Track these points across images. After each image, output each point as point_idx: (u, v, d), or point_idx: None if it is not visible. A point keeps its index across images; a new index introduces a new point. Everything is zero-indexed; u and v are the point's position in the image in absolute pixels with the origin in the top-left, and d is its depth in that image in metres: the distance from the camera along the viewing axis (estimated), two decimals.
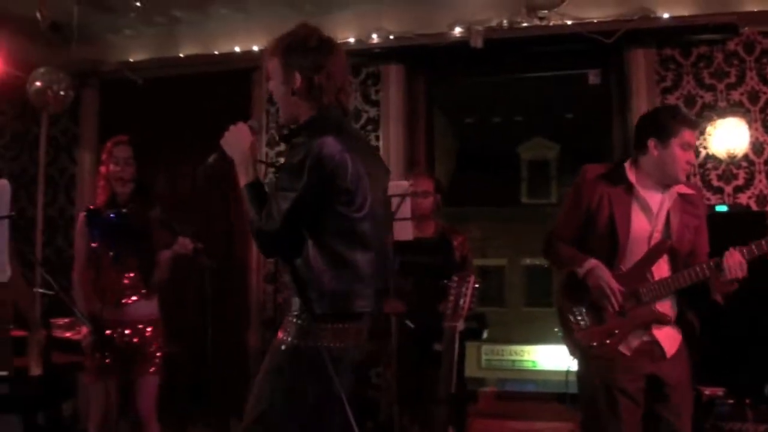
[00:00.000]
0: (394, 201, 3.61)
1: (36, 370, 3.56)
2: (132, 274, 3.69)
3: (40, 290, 3.28)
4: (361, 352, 2.36)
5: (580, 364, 2.99)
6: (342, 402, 2.16)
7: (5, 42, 5.50)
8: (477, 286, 3.14)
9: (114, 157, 3.72)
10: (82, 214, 3.82)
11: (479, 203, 17.84)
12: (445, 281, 3.09)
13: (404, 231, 3.65)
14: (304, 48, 2.31)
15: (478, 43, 4.84)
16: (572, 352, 2.99)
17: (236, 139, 2.36)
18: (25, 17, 5.07)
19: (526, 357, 19.18)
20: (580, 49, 4.95)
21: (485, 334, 4.33)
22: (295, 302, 2.25)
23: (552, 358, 17.85)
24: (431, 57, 5.16)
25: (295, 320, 2.24)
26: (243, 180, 2.31)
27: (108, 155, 3.75)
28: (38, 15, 4.86)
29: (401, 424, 3.87)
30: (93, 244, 3.71)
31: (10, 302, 3.39)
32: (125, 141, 3.78)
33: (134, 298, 3.68)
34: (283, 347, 2.24)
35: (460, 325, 3.05)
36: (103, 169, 3.78)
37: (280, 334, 2.28)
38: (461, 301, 3.12)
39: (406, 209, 3.63)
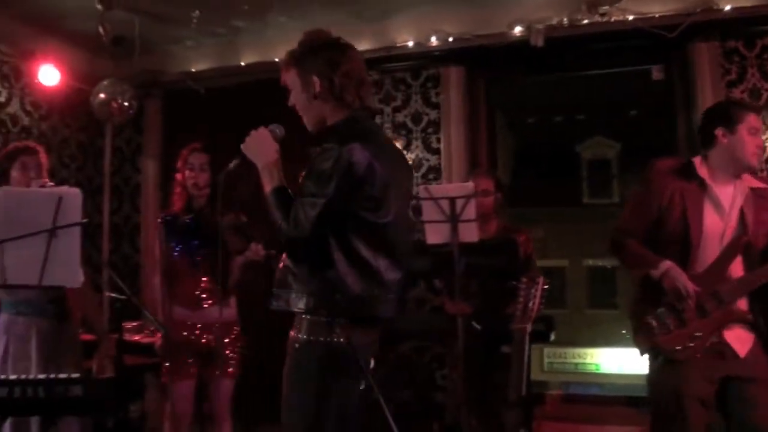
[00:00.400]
0: (459, 203, 3.66)
1: (108, 373, 3.68)
2: (207, 278, 3.78)
3: (112, 294, 3.40)
4: (373, 354, 2.38)
5: (651, 368, 2.98)
6: (364, 393, 2.23)
7: (69, 57, 5.72)
8: (546, 287, 3.15)
9: (189, 164, 3.81)
10: (159, 220, 3.93)
11: (539, 204, 17.70)
12: (514, 282, 3.10)
13: (469, 232, 3.68)
14: (315, 51, 2.36)
15: (538, 41, 4.83)
16: (644, 352, 2.98)
17: (258, 144, 2.37)
18: (88, 33, 5.26)
19: (589, 360, 18.91)
20: (642, 44, 4.89)
21: (552, 337, 4.32)
22: (307, 300, 2.26)
23: (615, 361, 17.57)
24: (491, 57, 5.16)
25: (306, 317, 2.28)
26: (268, 186, 2.30)
27: (183, 162, 3.84)
28: (101, 30, 5.02)
29: (469, 427, 3.89)
30: (170, 249, 3.83)
31: (79, 306, 3.52)
32: (200, 148, 3.87)
33: (211, 301, 3.77)
34: (297, 345, 2.30)
35: (528, 328, 3.06)
36: (178, 176, 3.87)
37: (293, 333, 2.33)
38: (530, 303, 3.12)
39: (470, 211, 3.66)
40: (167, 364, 3.76)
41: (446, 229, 3.70)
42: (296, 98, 2.41)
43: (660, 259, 2.85)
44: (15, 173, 3.28)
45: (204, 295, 3.78)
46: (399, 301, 2.37)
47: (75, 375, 2.53)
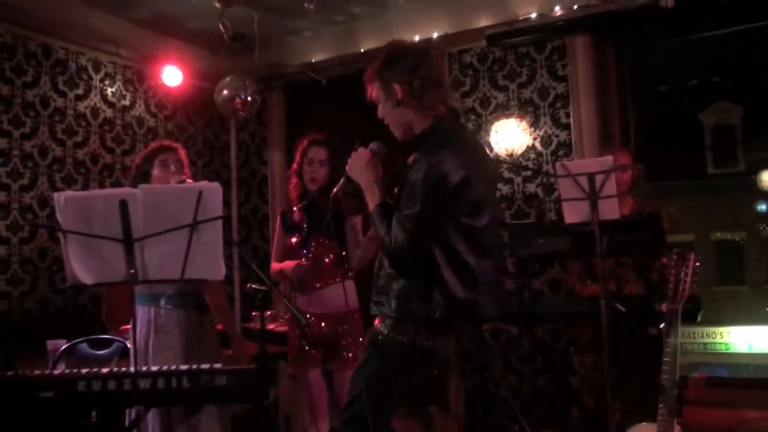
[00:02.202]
0: (598, 179, 3.42)
1: (246, 362, 3.69)
2: (328, 259, 3.68)
3: (253, 286, 3.38)
4: (453, 349, 2.49)
5: None
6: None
7: (191, 57, 5.83)
8: (698, 264, 2.96)
9: (308, 158, 3.70)
10: (279, 215, 3.91)
11: (661, 177, 16.93)
12: (664, 260, 2.98)
13: (610, 209, 3.45)
14: (393, 59, 2.43)
15: (668, 1, 4.49)
16: None
17: (360, 164, 2.49)
18: (208, 32, 5.35)
19: (718, 339, 18.02)
20: None
21: (699, 317, 4.05)
22: (404, 303, 2.34)
23: (746, 340, 16.73)
24: (619, 22, 4.82)
25: (394, 316, 2.37)
26: (371, 203, 2.43)
27: (301, 154, 3.74)
28: (221, 28, 5.04)
29: (613, 413, 3.68)
30: (287, 240, 3.78)
31: (212, 300, 3.51)
32: (321, 141, 3.75)
33: (330, 283, 3.65)
34: (380, 337, 2.40)
35: (680, 308, 2.92)
36: (294, 165, 3.78)
37: (378, 324, 2.44)
38: (681, 282, 2.96)
39: (610, 186, 3.43)
40: (292, 354, 3.73)
41: (585, 207, 3.48)
42: (382, 110, 2.49)
43: None
44: (156, 172, 3.28)
45: (323, 277, 3.66)
46: (499, 299, 2.49)
47: (218, 365, 2.53)
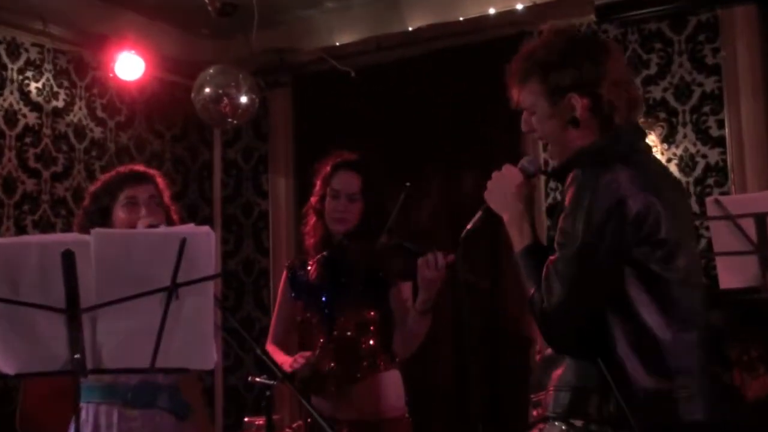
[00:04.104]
0: None
1: None
2: (365, 342, 3.63)
3: (258, 379, 3.36)
4: None
5: None
6: None
7: (157, 39, 5.89)
8: None
9: (332, 189, 3.67)
10: (284, 271, 3.88)
11: None
12: None
13: None
14: (569, 57, 2.39)
15: None
16: None
17: (504, 189, 2.49)
18: (184, 3, 5.42)
19: None
20: None
21: None
22: (552, 397, 2.35)
23: None
24: None
25: (554, 416, 2.34)
26: (518, 244, 2.42)
27: (323, 182, 3.71)
28: None
29: None
30: (298, 307, 3.76)
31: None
32: (352, 163, 3.72)
33: (366, 375, 3.60)
34: None
35: None
36: (313, 199, 3.75)
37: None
38: None
39: None
40: None
41: (752, 264, 3.48)
42: (542, 124, 2.46)
43: None
44: (120, 213, 3.23)
45: (355, 366, 3.59)
46: (709, 392, 2.31)
47: None
